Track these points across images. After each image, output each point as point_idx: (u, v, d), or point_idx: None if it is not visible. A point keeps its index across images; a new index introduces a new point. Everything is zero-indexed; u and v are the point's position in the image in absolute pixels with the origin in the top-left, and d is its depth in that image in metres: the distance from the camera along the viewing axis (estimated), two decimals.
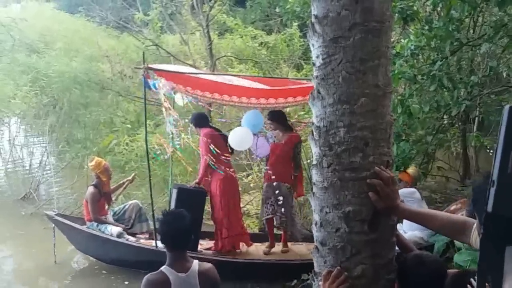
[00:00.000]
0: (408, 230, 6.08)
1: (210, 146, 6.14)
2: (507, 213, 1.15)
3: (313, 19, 1.94)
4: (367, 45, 1.85)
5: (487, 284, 1.21)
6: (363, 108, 1.86)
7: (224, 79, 6.36)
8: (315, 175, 1.99)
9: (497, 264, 1.17)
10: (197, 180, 6.41)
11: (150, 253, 6.17)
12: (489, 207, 1.17)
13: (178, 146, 6.31)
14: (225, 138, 6.45)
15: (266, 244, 6.68)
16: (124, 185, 7.39)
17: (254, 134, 6.19)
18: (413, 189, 6.30)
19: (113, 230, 6.55)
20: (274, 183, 6.34)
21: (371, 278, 1.92)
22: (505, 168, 1.14)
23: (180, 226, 3.08)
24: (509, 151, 1.13)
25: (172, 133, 6.17)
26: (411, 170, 6.47)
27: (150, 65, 5.68)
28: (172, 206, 6.28)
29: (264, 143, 6.39)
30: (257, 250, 6.73)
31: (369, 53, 1.85)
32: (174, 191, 6.31)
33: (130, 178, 7.42)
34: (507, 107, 1.15)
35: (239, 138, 6.13)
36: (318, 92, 1.95)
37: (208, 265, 3.20)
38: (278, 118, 6.42)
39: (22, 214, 8.94)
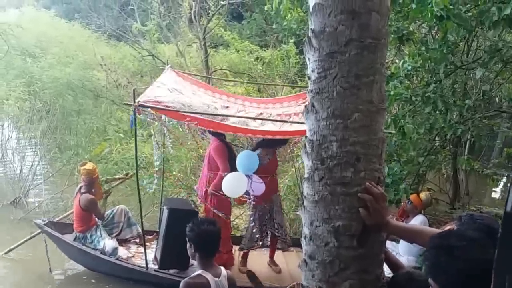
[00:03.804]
0: (404, 254, 6.00)
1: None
2: None
3: (310, 33, 1.95)
4: (363, 61, 1.86)
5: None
6: (356, 124, 1.87)
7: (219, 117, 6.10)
8: (307, 189, 1.99)
9: None
10: (213, 188, 6.32)
11: (140, 274, 6.11)
12: (509, 207, 1.18)
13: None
14: (230, 153, 6.43)
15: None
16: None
17: (248, 176, 6.00)
18: (424, 218, 6.31)
19: (106, 244, 6.36)
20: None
21: None
22: None
23: (216, 233, 3.26)
24: None
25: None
26: (423, 195, 6.46)
27: (141, 103, 5.12)
28: (163, 225, 6.19)
29: (258, 183, 6.20)
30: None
31: (364, 69, 1.87)
32: (166, 211, 6.22)
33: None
34: None
35: (232, 186, 6.01)
36: (313, 105, 1.95)
37: (228, 271, 3.39)
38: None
39: (11, 219, 8.84)
